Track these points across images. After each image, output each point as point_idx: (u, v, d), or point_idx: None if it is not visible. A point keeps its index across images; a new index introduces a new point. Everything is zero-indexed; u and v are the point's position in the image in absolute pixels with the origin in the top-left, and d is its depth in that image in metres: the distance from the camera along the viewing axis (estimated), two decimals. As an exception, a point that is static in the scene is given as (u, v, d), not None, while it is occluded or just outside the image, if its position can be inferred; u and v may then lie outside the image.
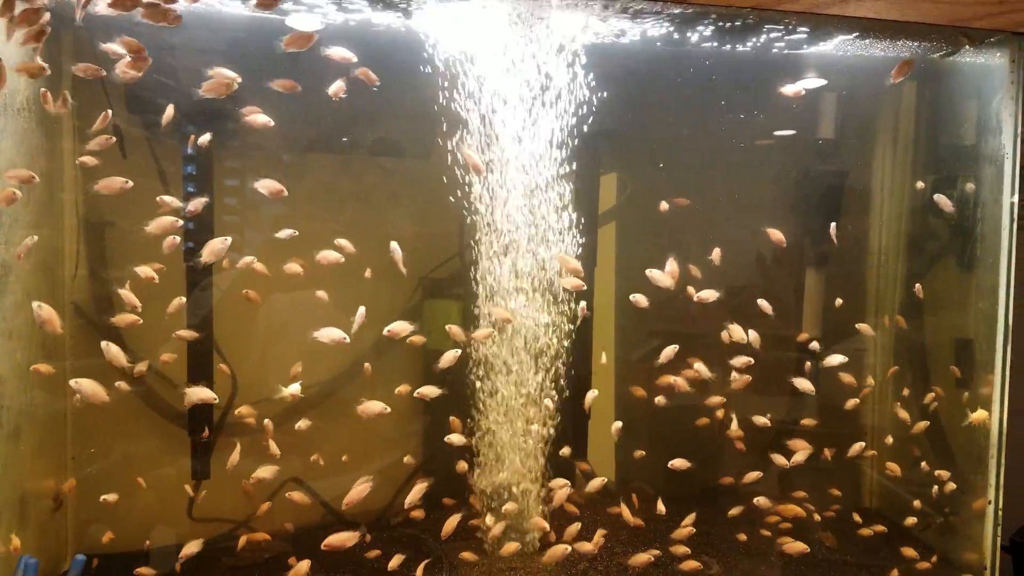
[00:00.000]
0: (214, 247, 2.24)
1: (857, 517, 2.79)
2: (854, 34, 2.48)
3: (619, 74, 2.58)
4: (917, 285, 2.79)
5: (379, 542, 2.49)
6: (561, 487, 2.56)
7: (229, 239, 2.24)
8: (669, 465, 2.50)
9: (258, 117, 2.19)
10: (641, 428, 2.78)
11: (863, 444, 2.73)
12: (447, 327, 2.51)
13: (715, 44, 2.63)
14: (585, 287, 2.54)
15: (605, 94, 2.55)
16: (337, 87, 2.22)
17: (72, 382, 2.03)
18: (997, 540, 2.53)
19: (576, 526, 2.54)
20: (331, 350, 2.28)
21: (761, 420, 2.62)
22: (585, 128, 2.56)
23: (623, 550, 2.60)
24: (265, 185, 2.26)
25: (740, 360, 2.57)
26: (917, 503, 2.73)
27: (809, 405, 2.74)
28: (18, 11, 1.91)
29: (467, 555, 2.54)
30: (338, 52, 2.17)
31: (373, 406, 2.31)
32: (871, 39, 2.51)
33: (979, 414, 2.50)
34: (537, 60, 2.50)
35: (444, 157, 2.52)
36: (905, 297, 2.98)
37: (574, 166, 2.58)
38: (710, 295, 2.51)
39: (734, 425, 2.64)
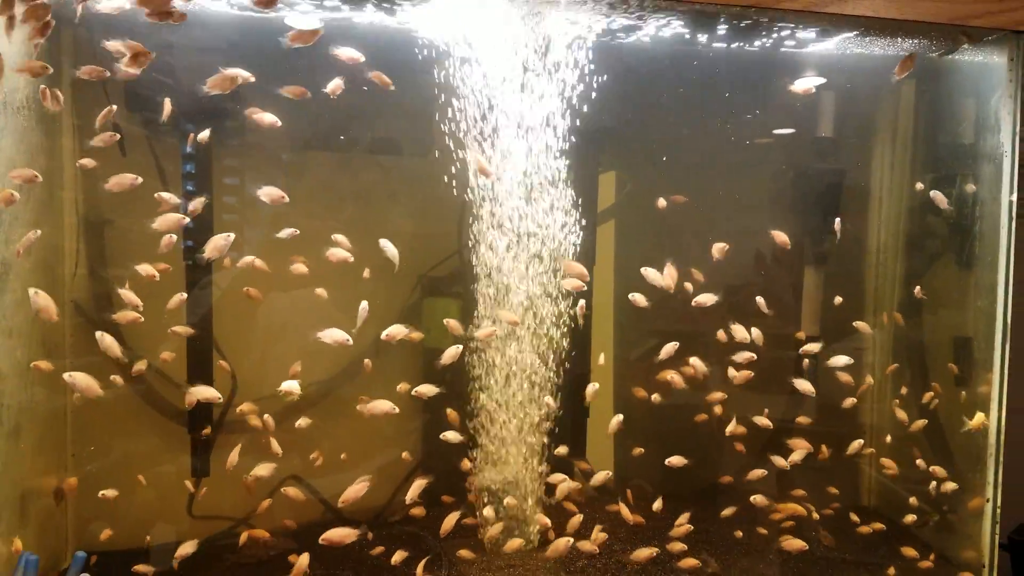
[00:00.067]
0: (217, 243, 2.24)
1: (854, 517, 2.79)
2: (853, 33, 2.48)
3: (618, 72, 2.58)
4: (917, 288, 2.80)
5: (378, 540, 2.50)
6: (561, 481, 2.57)
7: (232, 235, 2.25)
8: (666, 462, 2.50)
9: (265, 117, 2.20)
10: (640, 426, 2.79)
11: (861, 442, 2.73)
12: (445, 321, 2.52)
13: (714, 42, 2.63)
14: (585, 288, 2.55)
15: (604, 92, 2.56)
16: (335, 85, 2.23)
17: (66, 375, 2.04)
18: (996, 538, 2.53)
19: (579, 518, 2.55)
20: (331, 348, 2.29)
21: (763, 422, 2.63)
22: (579, 124, 2.57)
23: (621, 547, 2.61)
24: (267, 192, 2.27)
25: (744, 356, 2.57)
26: (913, 500, 2.74)
27: (808, 404, 2.74)
28: (23, 8, 1.92)
29: (465, 553, 2.54)
30: (345, 52, 2.18)
31: (381, 405, 2.32)
32: (870, 37, 2.51)
33: (976, 420, 2.50)
34: (537, 58, 2.50)
35: (444, 155, 2.53)
36: (904, 295, 2.98)
37: (574, 165, 2.59)
38: (708, 299, 2.51)
39: (732, 425, 2.64)
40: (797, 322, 2.91)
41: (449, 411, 2.58)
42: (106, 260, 2.52)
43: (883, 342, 3.01)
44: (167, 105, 2.24)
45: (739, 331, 2.57)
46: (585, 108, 2.56)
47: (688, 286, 2.58)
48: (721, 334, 2.61)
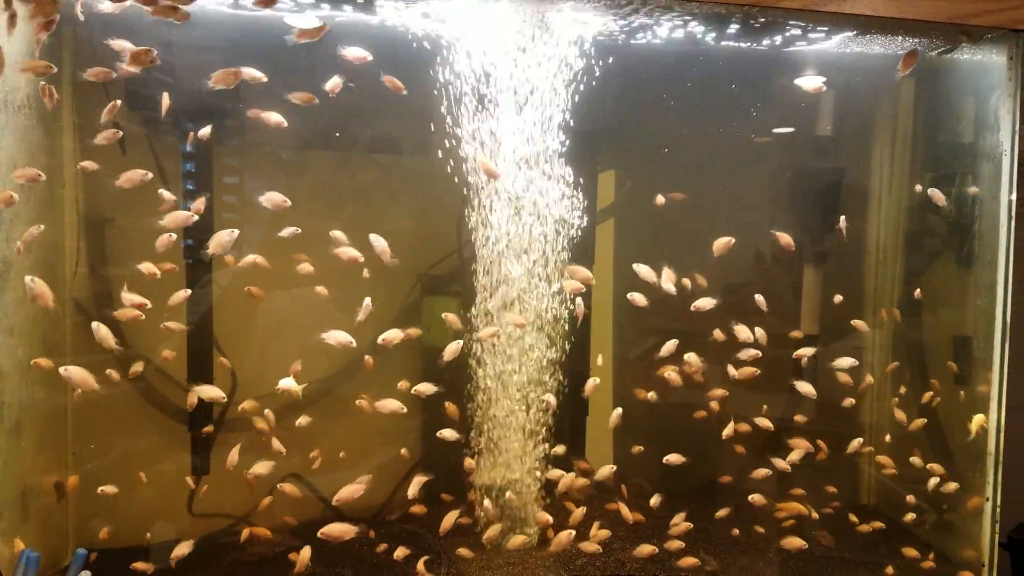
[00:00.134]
0: (221, 239, 2.26)
1: (853, 517, 2.79)
2: (852, 32, 2.48)
3: (618, 70, 2.58)
4: (917, 291, 2.80)
5: (378, 538, 2.50)
6: (559, 478, 2.57)
7: (236, 231, 2.26)
8: (664, 460, 2.50)
9: (272, 116, 2.21)
10: (640, 425, 2.79)
11: (860, 440, 2.73)
12: (444, 315, 2.52)
13: (713, 41, 2.64)
14: (585, 290, 2.55)
15: (604, 91, 2.56)
16: (334, 84, 2.23)
17: (62, 369, 2.05)
18: (995, 537, 2.53)
19: (581, 510, 2.55)
20: (331, 346, 2.30)
21: (764, 423, 2.63)
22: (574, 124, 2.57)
23: (620, 546, 2.61)
24: (269, 199, 2.28)
25: (748, 353, 2.57)
26: (911, 498, 2.74)
27: (807, 402, 2.73)
28: (25, 6, 1.93)
29: (465, 551, 2.55)
30: (353, 52, 2.19)
31: (389, 404, 2.33)
32: (869, 36, 2.51)
33: (975, 423, 2.50)
34: (536, 56, 2.51)
35: (444, 154, 2.53)
36: (903, 294, 2.98)
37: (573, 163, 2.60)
38: (707, 303, 2.51)
39: (730, 427, 2.63)
40: (796, 321, 2.91)
41: (448, 405, 2.58)
42: (107, 258, 2.53)
43: (883, 341, 3.01)
44: (165, 99, 2.25)
45: (743, 331, 2.57)
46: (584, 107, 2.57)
47: (686, 282, 2.58)
48: (718, 333, 2.61)
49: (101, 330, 2.14)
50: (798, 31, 2.53)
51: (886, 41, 2.56)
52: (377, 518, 2.74)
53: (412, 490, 2.39)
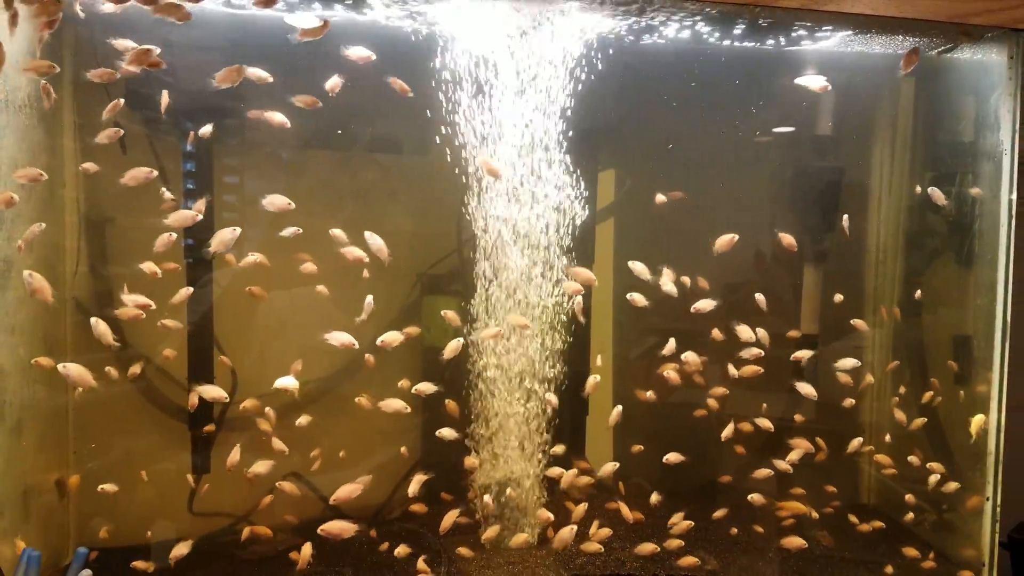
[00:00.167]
0: (223, 237, 2.26)
1: (853, 518, 2.79)
2: (851, 31, 2.48)
3: (617, 69, 2.58)
4: (918, 292, 2.80)
5: (378, 537, 2.51)
6: (560, 475, 2.58)
7: (238, 229, 2.26)
8: (664, 460, 2.50)
9: (275, 116, 2.22)
10: (640, 424, 2.79)
11: (860, 440, 2.73)
12: (443, 312, 2.52)
13: (713, 40, 2.64)
14: (584, 292, 2.55)
15: (603, 90, 2.56)
16: (333, 83, 2.23)
17: (60, 366, 2.05)
18: (995, 537, 2.53)
19: (584, 506, 2.55)
20: (331, 346, 2.30)
21: (765, 423, 2.63)
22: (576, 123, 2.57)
23: (620, 545, 2.61)
24: (272, 202, 2.28)
25: (751, 352, 2.57)
26: (911, 498, 2.74)
27: (807, 402, 2.74)
28: (27, 5, 1.93)
29: (465, 550, 2.55)
30: (357, 52, 2.19)
31: (394, 403, 2.33)
32: (869, 35, 2.51)
33: (975, 424, 2.50)
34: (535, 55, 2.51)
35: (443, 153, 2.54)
36: (904, 293, 2.98)
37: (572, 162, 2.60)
38: (707, 305, 2.51)
39: (729, 429, 2.63)
40: (796, 320, 2.91)
41: (448, 402, 2.58)
42: (107, 258, 2.53)
43: (883, 340, 3.01)
44: (164, 97, 2.25)
45: (744, 331, 2.57)
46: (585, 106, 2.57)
47: (686, 280, 2.58)
48: (716, 333, 2.61)
49: (99, 326, 2.14)
50: (798, 31, 2.53)
51: (886, 40, 2.56)
52: (377, 517, 2.74)
53: (412, 488, 2.40)
